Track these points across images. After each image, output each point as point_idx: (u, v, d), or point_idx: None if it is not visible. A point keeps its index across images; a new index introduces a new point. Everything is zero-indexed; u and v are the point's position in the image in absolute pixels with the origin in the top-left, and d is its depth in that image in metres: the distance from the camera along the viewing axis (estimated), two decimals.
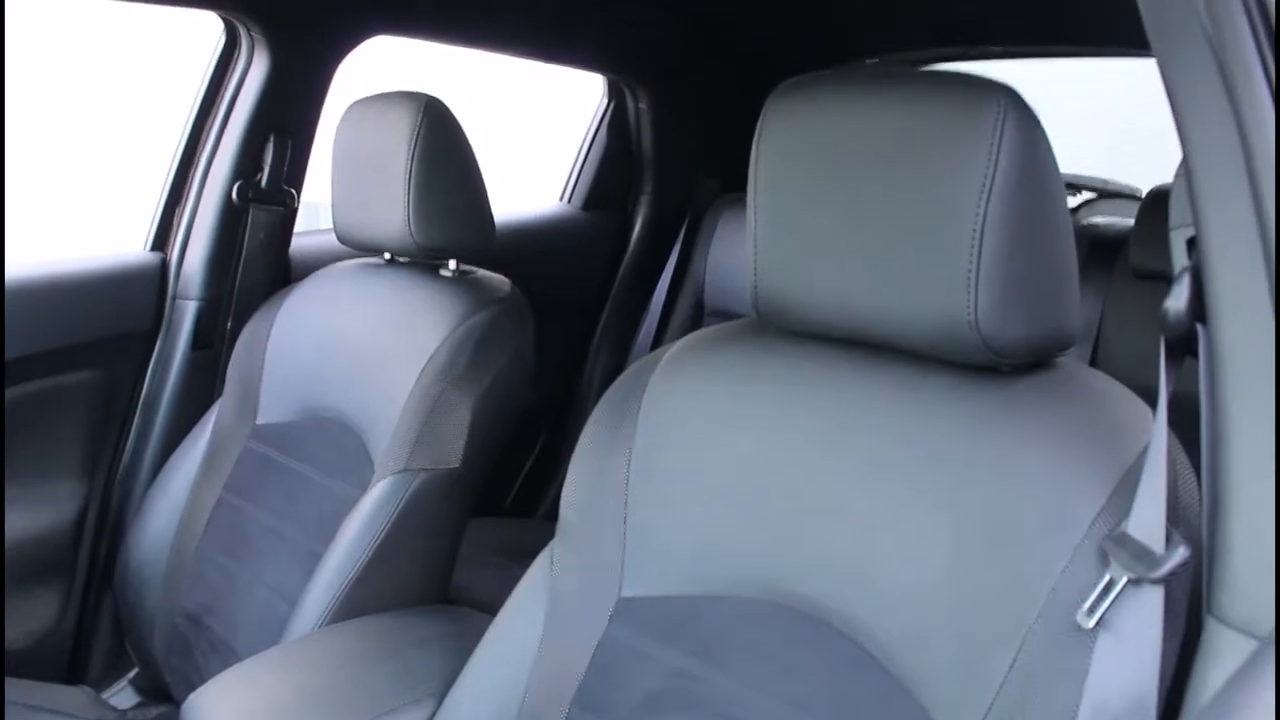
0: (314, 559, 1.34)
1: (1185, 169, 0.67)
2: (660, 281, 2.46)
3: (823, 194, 0.84)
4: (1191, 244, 0.68)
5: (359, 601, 1.28)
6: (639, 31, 2.20)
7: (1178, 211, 0.70)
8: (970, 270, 0.76)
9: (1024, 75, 2.33)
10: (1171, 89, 0.67)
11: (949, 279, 0.77)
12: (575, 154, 2.45)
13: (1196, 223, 0.66)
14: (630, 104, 2.39)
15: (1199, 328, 0.67)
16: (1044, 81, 2.43)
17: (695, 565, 0.91)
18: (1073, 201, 2.74)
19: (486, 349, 1.39)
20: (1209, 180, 0.65)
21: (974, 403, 0.81)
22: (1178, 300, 0.68)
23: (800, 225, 0.86)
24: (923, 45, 2.39)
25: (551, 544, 1.02)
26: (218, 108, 1.71)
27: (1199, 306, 0.67)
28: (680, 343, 1.02)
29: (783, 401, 0.90)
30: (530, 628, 1.00)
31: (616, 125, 2.41)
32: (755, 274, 0.90)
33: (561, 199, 2.46)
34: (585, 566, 0.97)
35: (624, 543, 0.95)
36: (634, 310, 2.49)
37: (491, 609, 1.08)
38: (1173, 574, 0.66)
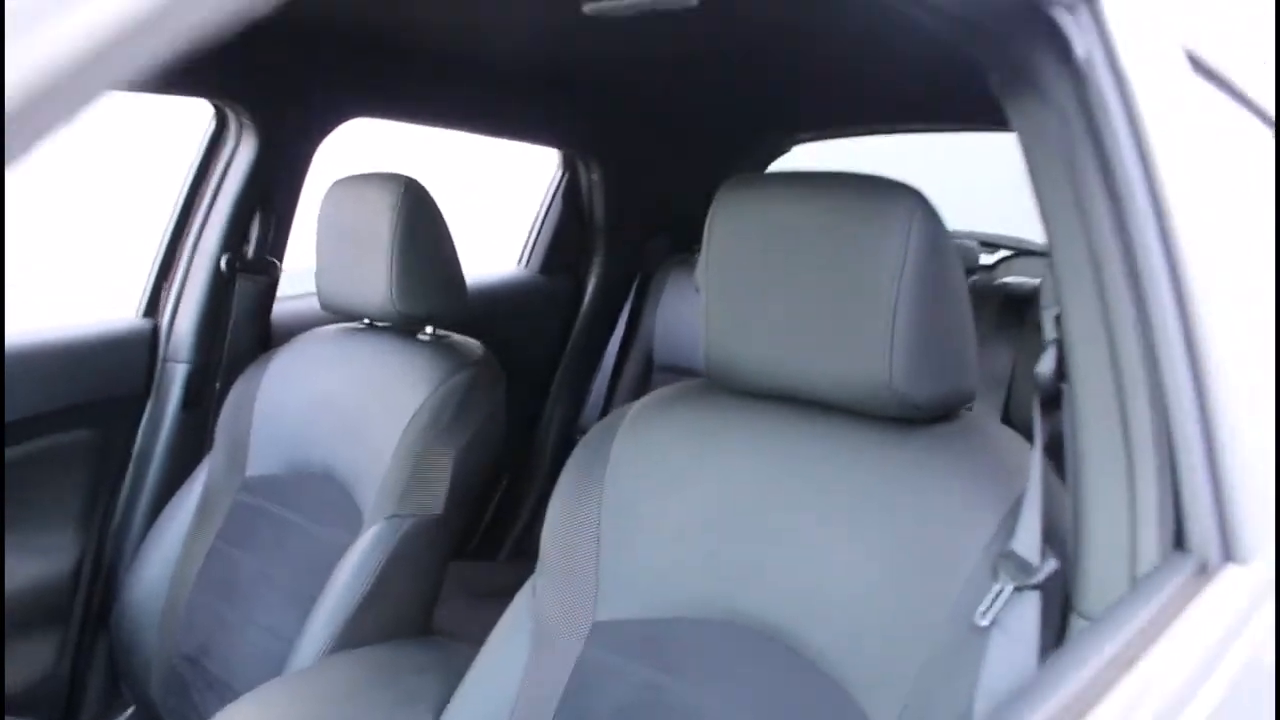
0: (305, 600, 1.45)
1: (1052, 262, 0.86)
2: (611, 340, 2.62)
3: (765, 277, 1.00)
4: (1058, 320, 0.87)
5: (355, 636, 1.39)
6: (592, 110, 2.36)
7: (1047, 294, 0.88)
8: (887, 341, 0.92)
9: (959, 147, 2.55)
10: (1039, 198, 0.85)
11: (871, 348, 0.93)
12: (532, 221, 2.60)
13: (1060, 304, 0.85)
14: (583, 175, 2.53)
15: (1063, 386, 0.86)
16: (974, 151, 2.65)
17: (661, 591, 1.05)
18: (991, 258, 2.96)
19: (466, 408, 1.52)
20: (1067, 273, 0.83)
21: (894, 449, 0.98)
22: (1046, 365, 0.87)
23: (746, 302, 1.02)
24: (848, 122, 2.60)
25: (533, 577, 1.16)
26: (207, 184, 1.83)
27: (1062, 370, 0.85)
28: (642, 401, 1.16)
29: (734, 451, 1.05)
30: (516, 652, 1.12)
31: (570, 195, 2.56)
32: (708, 343, 1.06)
33: (519, 263, 2.61)
34: (563, 596, 1.11)
35: (597, 574, 1.09)
36: (587, 367, 2.64)
37: (465, 641, 1.20)
38: (1047, 580, 0.83)
